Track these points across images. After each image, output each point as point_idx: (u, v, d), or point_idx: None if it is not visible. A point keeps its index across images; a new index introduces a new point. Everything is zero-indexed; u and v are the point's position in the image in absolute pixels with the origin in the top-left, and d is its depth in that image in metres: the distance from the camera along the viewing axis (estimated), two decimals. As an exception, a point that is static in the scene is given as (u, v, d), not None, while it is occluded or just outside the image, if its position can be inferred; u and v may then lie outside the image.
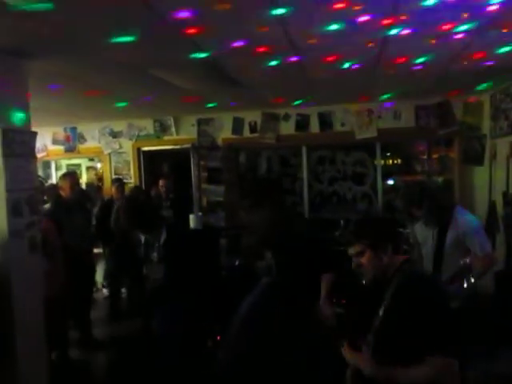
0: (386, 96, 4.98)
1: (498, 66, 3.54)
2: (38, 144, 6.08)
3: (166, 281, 3.27)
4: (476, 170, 5.16)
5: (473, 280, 2.74)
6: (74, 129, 6.24)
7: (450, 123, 5.20)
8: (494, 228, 4.48)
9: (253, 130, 5.77)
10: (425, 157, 6.70)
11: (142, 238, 3.48)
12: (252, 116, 5.73)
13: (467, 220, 2.90)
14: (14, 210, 2.69)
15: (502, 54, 3.20)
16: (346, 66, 3.42)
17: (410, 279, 1.75)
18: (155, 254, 3.35)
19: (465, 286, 2.74)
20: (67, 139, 6.26)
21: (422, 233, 3.12)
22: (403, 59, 3.28)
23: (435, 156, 6.50)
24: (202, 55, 3.00)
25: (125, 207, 3.19)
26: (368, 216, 1.92)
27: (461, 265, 2.78)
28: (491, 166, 4.74)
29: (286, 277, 2.97)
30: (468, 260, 2.75)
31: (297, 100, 5.05)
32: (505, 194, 4.33)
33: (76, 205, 4.09)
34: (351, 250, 1.85)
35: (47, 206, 4.41)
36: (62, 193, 4.04)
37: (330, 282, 2.88)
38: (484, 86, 4.43)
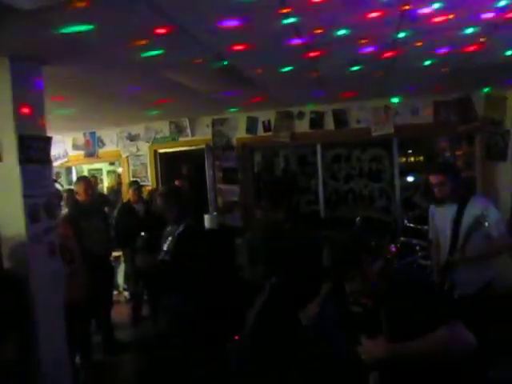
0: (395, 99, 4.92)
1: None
2: (59, 150, 6.30)
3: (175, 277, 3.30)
4: (499, 166, 5.01)
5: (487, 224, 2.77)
6: (93, 133, 6.34)
7: (470, 119, 5.05)
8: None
9: (267, 128, 5.75)
10: (448, 154, 6.55)
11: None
12: (266, 115, 5.71)
13: (485, 204, 2.95)
14: (31, 216, 2.74)
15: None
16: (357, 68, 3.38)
17: (393, 280, 1.80)
18: (165, 245, 3.39)
19: (486, 224, 2.77)
20: (87, 144, 6.36)
21: (441, 219, 3.15)
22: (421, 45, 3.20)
23: (459, 153, 6.34)
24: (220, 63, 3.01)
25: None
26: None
27: (472, 220, 2.80)
28: (515, 161, 4.60)
29: (291, 277, 2.94)
30: (482, 212, 2.77)
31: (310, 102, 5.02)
32: (528, 190, 4.20)
33: (93, 209, 4.14)
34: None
35: (65, 211, 4.49)
36: (78, 197, 4.10)
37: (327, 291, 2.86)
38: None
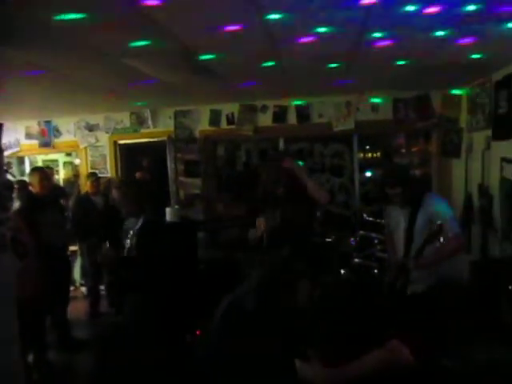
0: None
1: (475, 62, 3.57)
2: (11, 138, 5.98)
3: (138, 273, 3.23)
4: (453, 162, 5.22)
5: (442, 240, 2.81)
6: (48, 122, 6.06)
7: (428, 116, 5.23)
8: (470, 219, 4.55)
9: (230, 121, 5.71)
10: (403, 150, 6.77)
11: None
12: (229, 108, 5.67)
13: (437, 203, 2.99)
14: (-20, 208, 2.59)
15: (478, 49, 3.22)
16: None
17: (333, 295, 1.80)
18: (128, 241, 3.32)
19: (437, 244, 2.82)
20: (42, 133, 6.08)
21: (395, 217, 3.18)
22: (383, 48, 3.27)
23: (414, 149, 6.56)
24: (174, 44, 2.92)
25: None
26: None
27: (433, 228, 2.80)
28: (467, 158, 4.80)
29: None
30: (439, 223, 2.76)
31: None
32: (480, 187, 4.40)
33: (49, 201, 3.97)
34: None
35: (17, 203, 4.28)
36: (32, 189, 3.92)
37: None
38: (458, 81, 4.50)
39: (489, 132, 4.24)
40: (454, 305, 3.32)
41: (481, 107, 4.45)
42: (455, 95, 5.07)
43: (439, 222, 2.78)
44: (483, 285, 3.89)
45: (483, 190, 4.34)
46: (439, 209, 2.92)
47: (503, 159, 3.95)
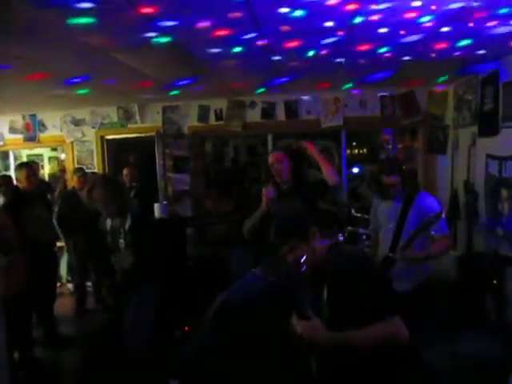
0: (348, 85, 5.03)
1: (459, 57, 3.61)
2: (-6, 133, 5.87)
3: (135, 270, 3.23)
4: (439, 159, 5.29)
5: (433, 233, 2.86)
6: (33, 116, 5.96)
7: (414, 113, 5.28)
8: (456, 215, 4.62)
9: (219, 117, 5.69)
10: (390, 146, 6.85)
11: (108, 225, 3.45)
12: (218, 104, 5.65)
13: (428, 202, 3.01)
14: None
15: (463, 46, 3.26)
16: (311, 53, 3.40)
17: (340, 261, 1.78)
18: (122, 241, 3.31)
19: (432, 232, 2.86)
20: (27, 128, 5.97)
21: (384, 213, 3.18)
22: (368, 47, 3.29)
23: (400, 146, 6.64)
24: (164, 39, 2.90)
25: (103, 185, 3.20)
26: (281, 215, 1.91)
27: (425, 219, 2.83)
28: (453, 155, 4.87)
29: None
30: (431, 215, 2.81)
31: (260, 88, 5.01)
32: (466, 183, 4.47)
33: (36, 196, 3.91)
34: (283, 250, 1.82)
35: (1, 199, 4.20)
36: (19, 184, 3.85)
37: None
38: (444, 78, 4.54)
39: (475, 128, 4.30)
40: (441, 302, 3.38)
41: (467, 104, 4.51)
42: (441, 92, 5.13)
43: (440, 235, 2.83)
44: (468, 280, 3.96)
45: (469, 187, 4.40)
46: (431, 208, 2.94)
47: (488, 155, 4.01)
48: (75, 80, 3.86)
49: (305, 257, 1.77)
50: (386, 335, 1.65)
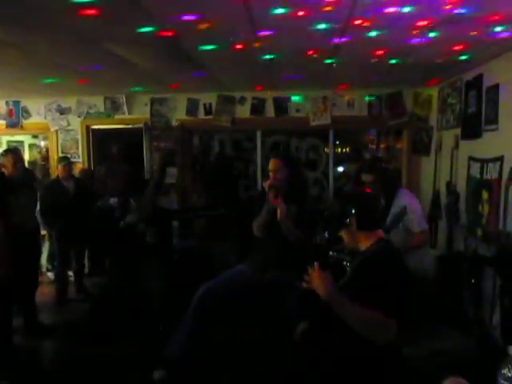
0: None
1: (446, 62, 3.71)
2: (-25, 118, 5.74)
3: None
4: (423, 160, 5.41)
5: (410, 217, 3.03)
6: (17, 103, 5.85)
7: (400, 114, 5.39)
8: (437, 216, 4.74)
9: (208, 112, 5.68)
10: (374, 146, 6.95)
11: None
12: (207, 98, 5.64)
13: (408, 199, 3.18)
14: None
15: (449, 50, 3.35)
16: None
17: (377, 253, 1.88)
18: None
19: (400, 226, 3.04)
20: (10, 113, 5.85)
21: None
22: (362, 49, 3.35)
23: (383, 146, 6.75)
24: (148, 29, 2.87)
25: None
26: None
27: (398, 210, 3.01)
28: (437, 157, 4.98)
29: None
30: (405, 205, 2.99)
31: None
32: (448, 184, 4.58)
33: (21, 183, 3.85)
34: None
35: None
36: (5, 170, 3.78)
37: None
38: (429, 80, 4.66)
39: (458, 131, 4.41)
40: (420, 299, 3.46)
41: (451, 106, 4.61)
42: (426, 94, 5.24)
43: (419, 230, 2.93)
44: (448, 278, 4.07)
45: (451, 188, 4.52)
46: (410, 204, 3.09)
47: (471, 158, 4.12)
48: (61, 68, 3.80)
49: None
50: (376, 324, 1.72)
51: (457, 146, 4.44)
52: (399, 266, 1.90)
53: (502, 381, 1.42)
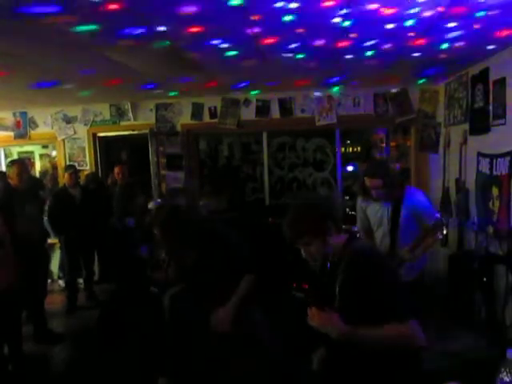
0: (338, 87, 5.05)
1: (450, 55, 3.63)
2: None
3: None
4: (431, 157, 5.31)
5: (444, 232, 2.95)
6: (24, 113, 5.92)
7: (407, 111, 5.30)
8: (447, 213, 4.64)
9: (213, 115, 5.68)
10: (383, 144, 6.85)
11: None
12: (212, 101, 5.63)
13: (417, 195, 3.11)
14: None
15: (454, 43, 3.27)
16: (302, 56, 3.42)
17: (356, 255, 1.76)
18: None
19: (440, 237, 2.95)
20: (17, 125, 5.93)
21: (376, 214, 3.17)
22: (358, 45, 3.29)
23: (393, 144, 6.65)
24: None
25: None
26: (295, 207, 1.85)
27: (410, 211, 2.97)
28: (445, 153, 4.89)
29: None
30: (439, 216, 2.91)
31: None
32: (457, 181, 4.48)
33: (27, 194, 3.88)
34: (298, 245, 1.83)
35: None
36: (11, 181, 3.83)
37: (250, 286, 2.56)
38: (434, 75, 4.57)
39: (466, 126, 4.32)
40: (431, 299, 3.39)
41: (458, 102, 4.52)
42: (433, 90, 5.15)
43: (433, 222, 2.86)
44: (459, 277, 3.98)
45: (460, 185, 4.42)
46: (420, 202, 3.03)
47: (480, 153, 4.03)
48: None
49: (319, 250, 1.78)
50: (402, 337, 1.62)
51: (465, 141, 4.35)
52: (381, 263, 1.82)
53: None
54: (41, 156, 7.36)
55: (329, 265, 1.81)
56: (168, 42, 3.01)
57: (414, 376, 1.77)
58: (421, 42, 3.24)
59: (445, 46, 3.36)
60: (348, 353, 1.74)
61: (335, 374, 1.85)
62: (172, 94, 5.14)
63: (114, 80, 4.23)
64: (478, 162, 4.06)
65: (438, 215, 2.98)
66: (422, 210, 3.00)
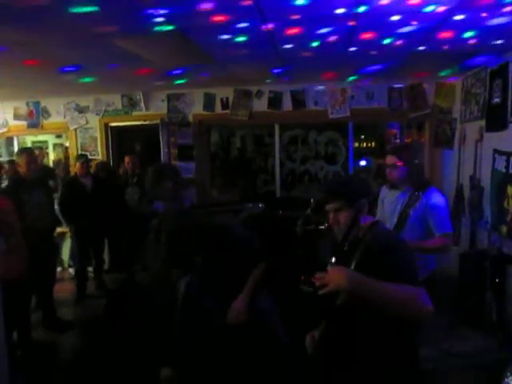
0: (352, 78, 4.95)
1: (468, 49, 3.52)
2: (-1, 120, 5.90)
3: None
4: (445, 153, 5.20)
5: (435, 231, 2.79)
6: (37, 103, 5.97)
7: (421, 106, 5.19)
8: (460, 211, 4.56)
9: (225, 106, 5.64)
10: (397, 140, 6.74)
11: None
12: (224, 92, 5.59)
13: (434, 200, 2.85)
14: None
15: (472, 37, 3.17)
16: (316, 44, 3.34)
17: (379, 239, 1.75)
18: None
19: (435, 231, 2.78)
20: (30, 114, 5.98)
21: (390, 206, 3.03)
22: (374, 36, 3.20)
23: (408, 140, 6.54)
24: (168, 27, 2.86)
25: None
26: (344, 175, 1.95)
27: (439, 235, 2.78)
28: (460, 150, 4.78)
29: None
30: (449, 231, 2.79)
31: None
32: (471, 178, 4.38)
33: (36, 182, 3.91)
34: (329, 207, 1.85)
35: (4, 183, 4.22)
36: (20, 170, 3.85)
37: (258, 277, 2.55)
38: (452, 70, 4.44)
39: (482, 123, 4.20)
40: (441, 298, 3.31)
41: (475, 97, 4.40)
42: (449, 84, 5.03)
43: (440, 234, 2.73)
44: (470, 277, 3.90)
45: (474, 182, 4.32)
46: (436, 206, 2.80)
47: (496, 151, 3.92)
48: (74, 68, 3.82)
49: (353, 224, 1.76)
50: (409, 299, 1.58)
51: (481, 138, 4.24)
52: (403, 250, 1.80)
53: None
54: (54, 146, 7.43)
55: (347, 243, 1.78)
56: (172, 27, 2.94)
57: (410, 356, 1.76)
58: (438, 35, 3.14)
59: (464, 39, 3.25)
60: (347, 328, 1.74)
61: (331, 353, 1.83)
62: (179, 82, 5.06)
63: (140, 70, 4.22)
64: (494, 160, 3.96)
65: (449, 229, 2.81)
66: (431, 214, 2.79)
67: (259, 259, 2.61)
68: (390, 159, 2.92)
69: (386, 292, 1.57)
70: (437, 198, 2.85)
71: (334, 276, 1.60)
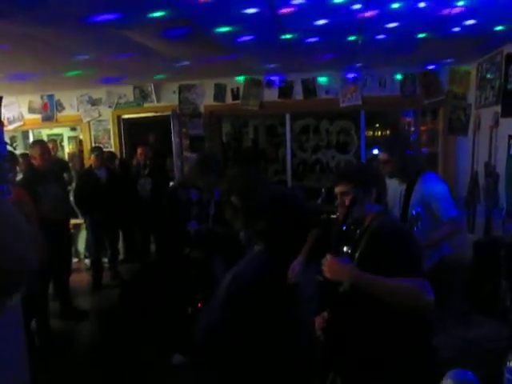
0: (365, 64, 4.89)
1: (482, 33, 3.44)
2: (14, 113, 5.98)
3: None
4: (459, 140, 5.11)
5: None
6: (51, 96, 6.04)
7: (435, 93, 5.10)
8: (475, 198, 4.49)
9: (235, 96, 5.63)
10: (412, 128, 6.65)
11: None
12: (234, 82, 5.58)
13: (432, 184, 2.80)
14: (-20, 179, 2.59)
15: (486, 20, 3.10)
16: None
17: (384, 228, 1.78)
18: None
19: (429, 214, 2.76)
20: (44, 107, 6.06)
21: (392, 193, 2.93)
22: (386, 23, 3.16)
23: (423, 128, 6.44)
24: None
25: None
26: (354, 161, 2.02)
27: (418, 197, 2.79)
28: (475, 136, 4.70)
29: (273, 246, 2.88)
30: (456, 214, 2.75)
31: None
32: (487, 165, 4.31)
33: (49, 174, 3.97)
34: (336, 190, 1.89)
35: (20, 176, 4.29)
36: (34, 162, 3.92)
37: (312, 240, 2.82)
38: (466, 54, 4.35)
39: (498, 108, 4.12)
40: (454, 285, 3.29)
41: (490, 82, 4.31)
42: (464, 70, 4.93)
43: (447, 219, 2.70)
44: (484, 265, 3.86)
45: (489, 169, 4.25)
46: (431, 190, 2.74)
47: (511, 137, 3.85)
48: (85, 57, 3.85)
49: (352, 204, 1.77)
50: (411, 290, 1.61)
51: (496, 124, 4.16)
52: (408, 240, 1.82)
53: (509, 375, 1.31)
54: (69, 138, 7.52)
55: (345, 226, 1.80)
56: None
57: (415, 344, 1.76)
58: (452, 19, 3.08)
59: (478, 23, 3.18)
60: (350, 314, 1.77)
61: (335, 338, 1.86)
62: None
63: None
64: (510, 146, 3.88)
65: (453, 213, 2.71)
66: (432, 202, 2.71)
67: (314, 222, 2.88)
68: (380, 155, 2.90)
69: (385, 286, 1.61)
70: (431, 184, 2.78)
71: (337, 269, 1.69)
